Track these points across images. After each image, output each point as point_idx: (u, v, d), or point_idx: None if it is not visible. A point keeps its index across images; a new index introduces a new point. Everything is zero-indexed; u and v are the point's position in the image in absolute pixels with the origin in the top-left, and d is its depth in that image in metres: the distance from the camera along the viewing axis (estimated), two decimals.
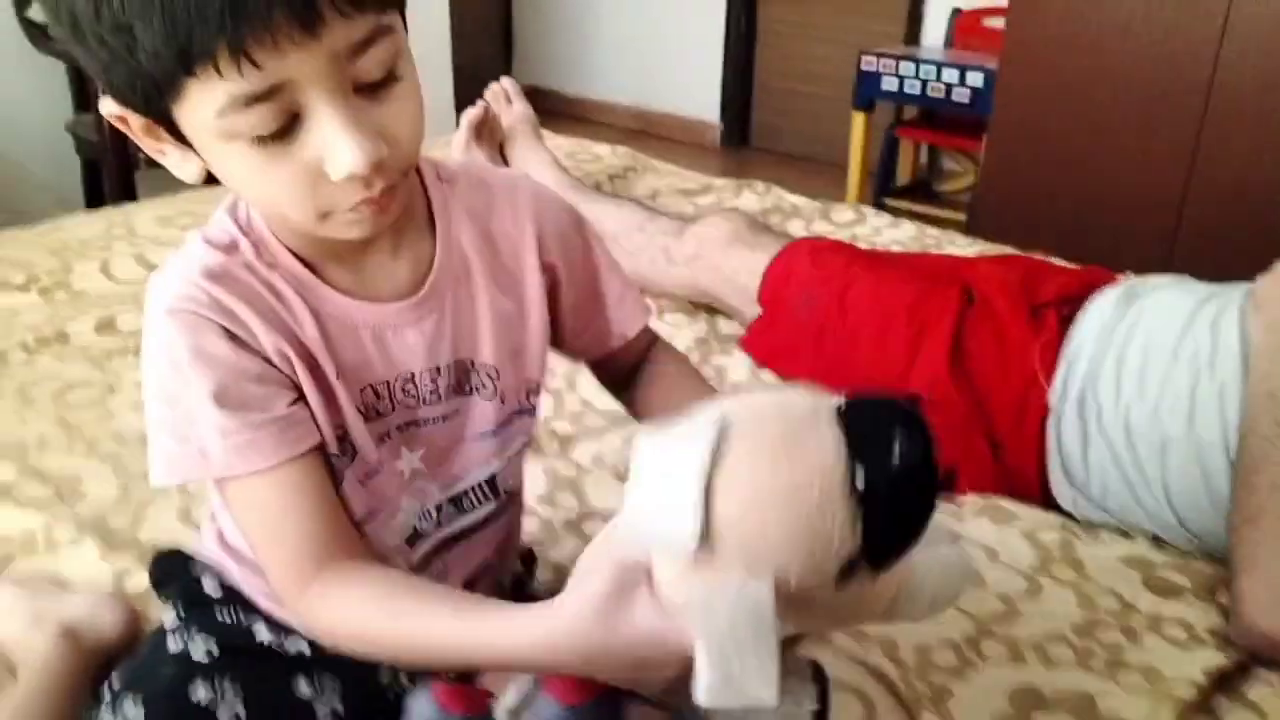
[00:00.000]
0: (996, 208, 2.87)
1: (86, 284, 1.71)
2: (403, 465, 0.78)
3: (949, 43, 3.65)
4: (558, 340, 0.86)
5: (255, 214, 0.72)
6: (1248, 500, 1.05)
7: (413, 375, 0.76)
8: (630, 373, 0.90)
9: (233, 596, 0.84)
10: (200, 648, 0.81)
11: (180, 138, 0.64)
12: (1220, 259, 1.70)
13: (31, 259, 1.76)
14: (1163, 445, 1.16)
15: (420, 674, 0.79)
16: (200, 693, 0.78)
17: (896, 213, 2.24)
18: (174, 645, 0.82)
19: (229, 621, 0.83)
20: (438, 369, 0.77)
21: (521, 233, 0.80)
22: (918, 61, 3.31)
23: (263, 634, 0.83)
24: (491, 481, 0.84)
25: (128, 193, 2.68)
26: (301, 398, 0.71)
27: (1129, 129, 2.60)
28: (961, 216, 3.49)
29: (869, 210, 2.12)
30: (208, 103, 0.59)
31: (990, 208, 2.90)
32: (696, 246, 1.59)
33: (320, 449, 0.72)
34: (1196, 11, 2.42)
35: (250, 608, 0.83)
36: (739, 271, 1.54)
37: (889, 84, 3.37)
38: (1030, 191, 2.80)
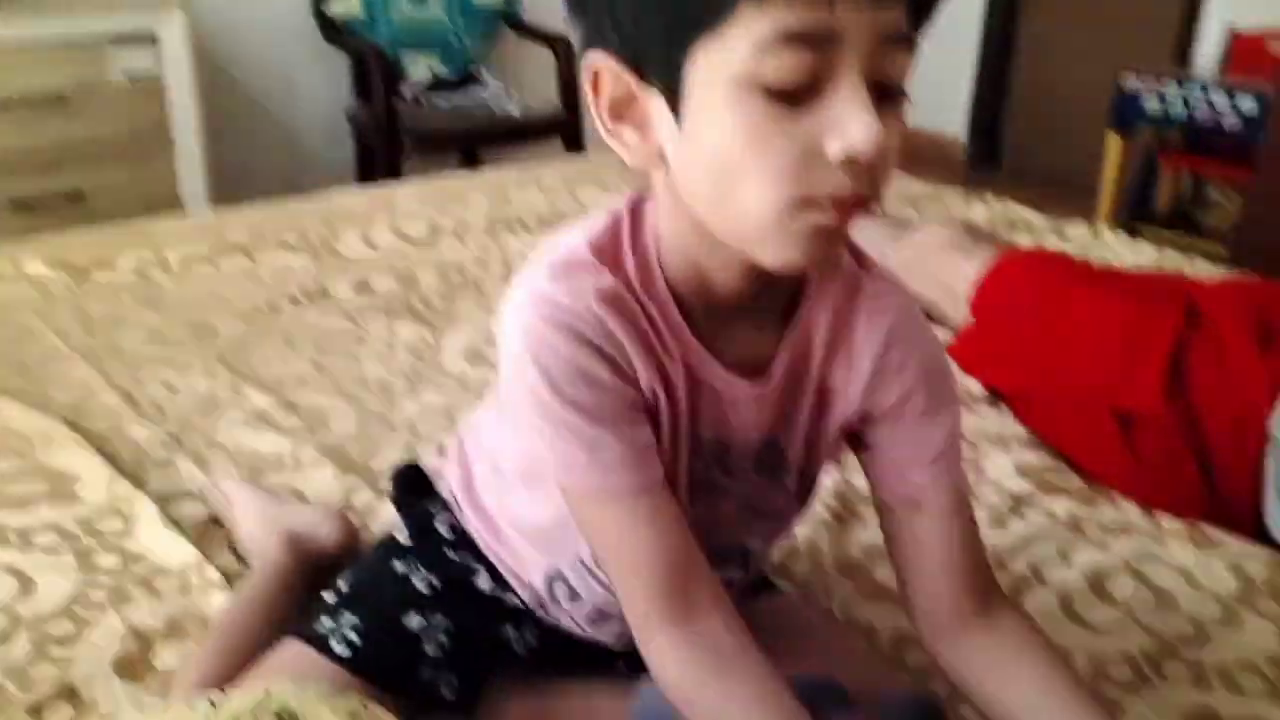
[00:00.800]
0: (1263, 242, 2.67)
1: (348, 249, 1.90)
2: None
3: (1222, 66, 3.42)
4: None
5: (653, 228, 0.70)
6: None
7: (730, 443, 0.76)
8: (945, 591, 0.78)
9: (463, 540, 0.90)
10: (423, 578, 0.89)
11: (668, 96, 0.61)
12: None
13: (305, 224, 1.97)
14: None
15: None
16: (413, 620, 0.86)
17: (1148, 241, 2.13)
18: (400, 567, 0.90)
19: (455, 561, 0.89)
20: (749, 444, 0.77)
21: (861, 355, 0.75)
22: (1184, 83, 3.13)
23: (483, 583, 0.89)
24: (745, 555, 0.85)
25: (394, 174, 2.93)
26: (656, 432, 0.71)
27: None
28: (1222, 251, 3.27)
29: (1105, 229, 2.05)
30: (750, 35, 0.57)
31: (1254, 242, 2.71)
32: (912, 251, 1.59)
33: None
34: None
35: (478, 555, 0.89)
36: (952, 277, 1.53)
37: (1150, 106, 3.20)
38: None
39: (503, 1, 3.43)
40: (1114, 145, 3.36)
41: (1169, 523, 1.21)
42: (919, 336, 0.77)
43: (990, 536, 1.14)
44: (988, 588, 0.79)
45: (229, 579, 1.05)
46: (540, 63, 3.31)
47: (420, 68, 3.25)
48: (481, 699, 0.88)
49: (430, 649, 0.86)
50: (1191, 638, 1.02)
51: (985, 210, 2.12)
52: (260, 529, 1.06)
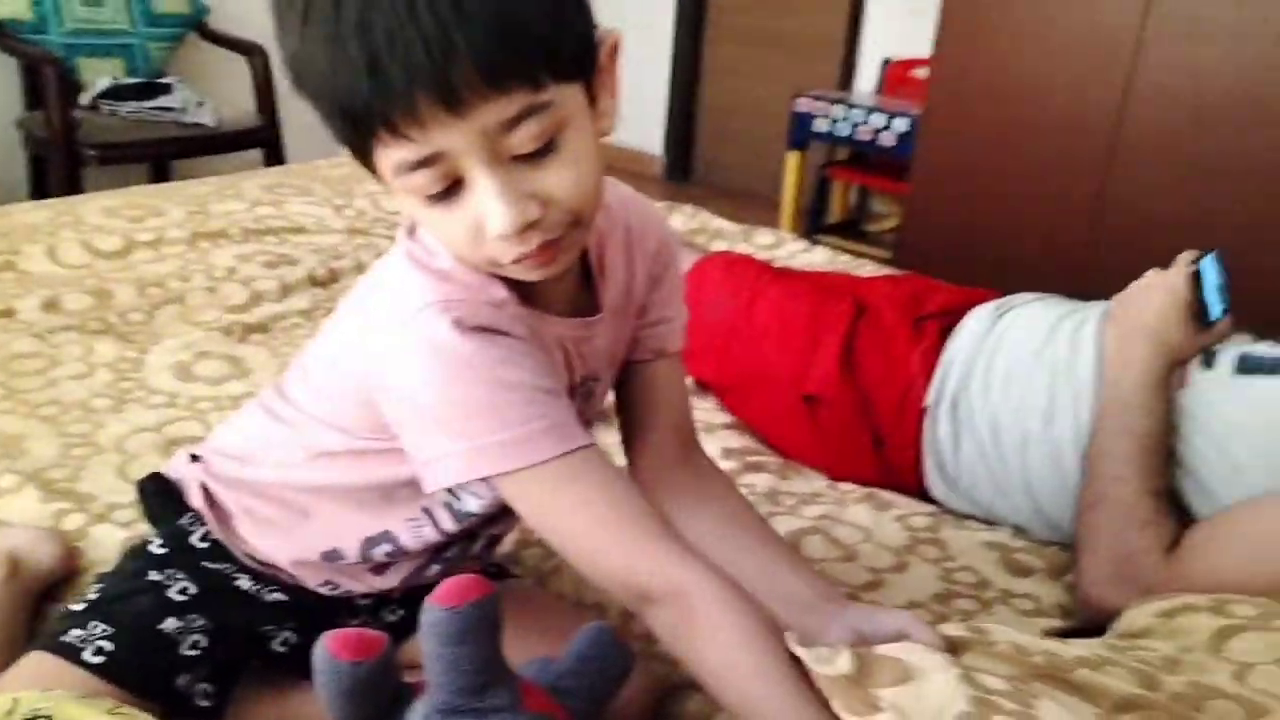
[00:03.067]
0: (919, 245, 3.02)
1: (33, 266, 1.78)
2: None
3: (879, 90, 3.82)
4: None
5: None
6: (1092, 487, 1.17)
7: (597, 377, 0.84)
8: (647, 423, 0.92)
9: (219, 550, 0.91)
10: (178, 588, 0.89)
11: (383, 183, 0.70)
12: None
13: None
14: (1023, 442, 1.28)
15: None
16: (169, 624, 0.86)
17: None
18: (155, 575, 0.89)
19: (213, 568, 0.91)
20: (595, 375, 0.85)
21: (634, 248, 0.87)
22: (848, 105, 3.47)
23: (244, 584, 0.91)
24: None
25: (74, 189, 2.73)
26: None
27: (1042, 173, 2.75)
28: (888, 255, 3.65)
29: (788, 235, 2.25)
30: (385, 163, 0.66)
31: (914, 245, 3.05)
32: None
33: None
34: (1103, 68, 2.59)
35: (235, 561, 0.91)
36: None
37: (821, 125, 3.53)
38: (951, 230, 2.95)
39: (188, 7, 3.28)
40: (792, 162, 3.67)
41: (850, 489, 1.37)
42: (651, 213, 0.91)
43: None
44: (694, 433, 0.95)
45: None
46: (235, 71, 3.20)
47: (101, 75, 3.04)
48: (231, 702, 0.88)
49: (187, 650, 0.86)
50: (870, 584, 1.17)
51: (683, 220, 2.27)
52: None
